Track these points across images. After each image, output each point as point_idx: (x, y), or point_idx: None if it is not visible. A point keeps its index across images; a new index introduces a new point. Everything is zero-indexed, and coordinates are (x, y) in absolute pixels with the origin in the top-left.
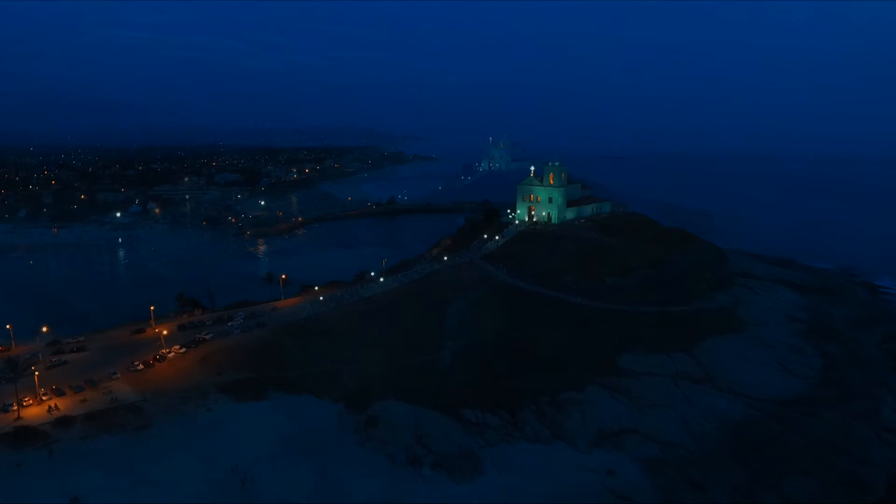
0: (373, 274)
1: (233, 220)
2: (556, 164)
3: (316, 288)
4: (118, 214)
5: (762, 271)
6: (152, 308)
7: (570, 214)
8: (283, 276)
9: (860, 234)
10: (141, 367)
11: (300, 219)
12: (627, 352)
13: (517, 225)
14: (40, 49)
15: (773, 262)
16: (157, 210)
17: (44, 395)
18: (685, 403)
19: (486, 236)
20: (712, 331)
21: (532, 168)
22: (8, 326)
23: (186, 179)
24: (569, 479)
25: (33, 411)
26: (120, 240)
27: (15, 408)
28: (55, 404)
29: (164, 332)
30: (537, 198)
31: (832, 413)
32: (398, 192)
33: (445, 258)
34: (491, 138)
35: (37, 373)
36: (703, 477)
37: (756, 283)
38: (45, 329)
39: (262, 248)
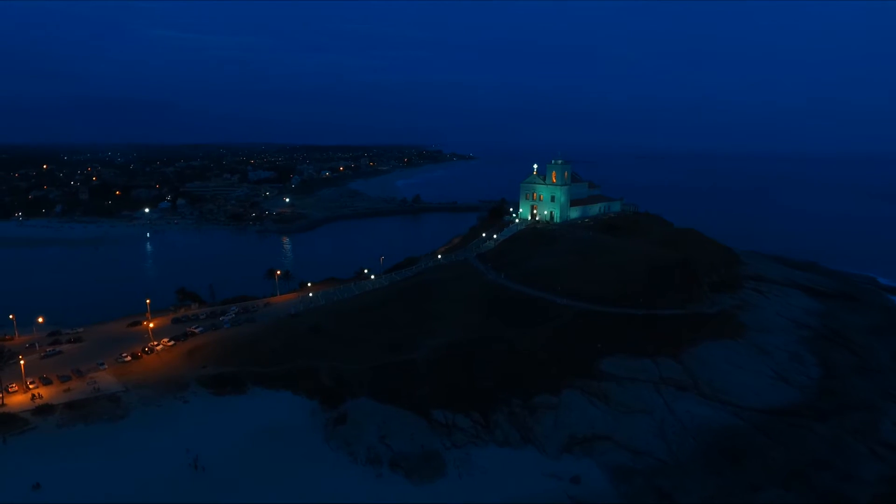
0: (366, 271)
1: (255, 216)
2: (560, 161)
3: (309, 284)
4: (147, 210)
5: (778, 274)
6: (148, 301)
7: (573, 213)
8: (278, 272)
9: (891, 237)
10: (128, 358)
11: (323, 216)
12: (611, 355)
13: (517, 224)
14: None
15: (794, 266)
16: (185, 206)
17: (31, 383)
18: (664, 410)
19: (484, 235)
20: (707, 336)
21: (535, 166)
22: (11, 317)
23: (219, 176)
24: (530, 484)
25: (18, 399)
26: (149, 234)
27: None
28: (39, 393)
29: (152, 325)
30: (540, 196)
31: (823, 425)
32: (431, 191)
33: (439, 256)
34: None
35: (23, 362)
36: (672, 487)
37: (768, 287)
38: (40, 320)
39: (282, 244)
